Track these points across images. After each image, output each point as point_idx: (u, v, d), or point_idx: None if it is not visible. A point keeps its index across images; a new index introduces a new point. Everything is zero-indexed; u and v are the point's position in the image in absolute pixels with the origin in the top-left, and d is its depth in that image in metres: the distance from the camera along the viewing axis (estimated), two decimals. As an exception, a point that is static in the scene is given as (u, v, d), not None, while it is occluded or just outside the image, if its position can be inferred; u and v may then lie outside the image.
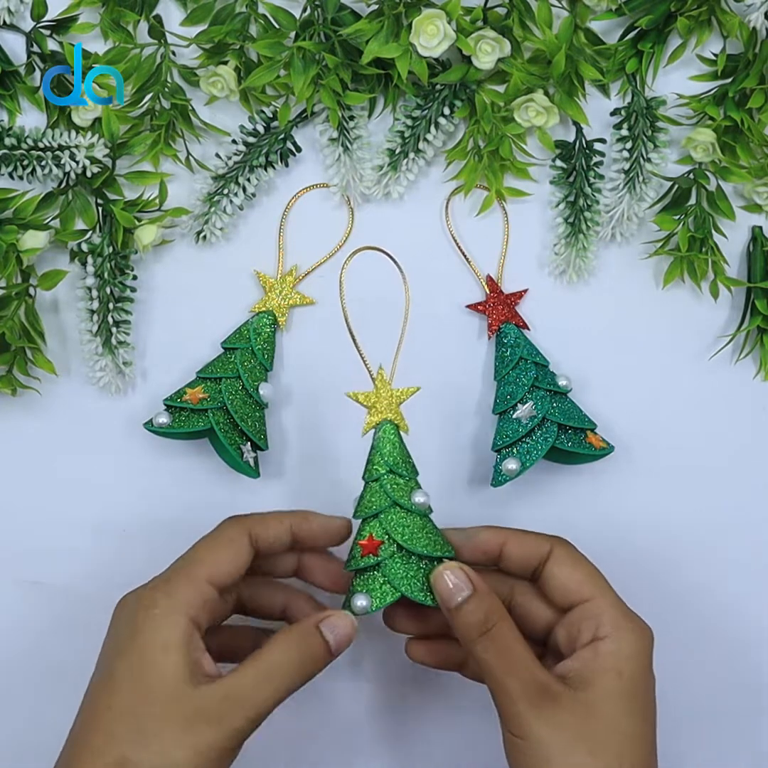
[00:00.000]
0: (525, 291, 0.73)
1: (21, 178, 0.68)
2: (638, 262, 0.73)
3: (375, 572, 0.51)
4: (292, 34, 0.68)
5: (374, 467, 0.54)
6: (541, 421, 0.69)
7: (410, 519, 0.52)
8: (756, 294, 0.71)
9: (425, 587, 0.51)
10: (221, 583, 0.53)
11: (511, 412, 0.70)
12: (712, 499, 0.74)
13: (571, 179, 0.71)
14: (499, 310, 0.72)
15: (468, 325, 0.74)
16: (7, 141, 0.67)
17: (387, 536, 0.51)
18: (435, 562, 0.52)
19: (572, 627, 0.54)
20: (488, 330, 0.73)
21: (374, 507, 0.53)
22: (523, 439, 0.69)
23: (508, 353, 0.71)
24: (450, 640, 0.57)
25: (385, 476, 0.53)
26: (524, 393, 0.70)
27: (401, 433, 0.56)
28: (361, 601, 0.51)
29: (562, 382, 0.71)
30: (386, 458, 0.54)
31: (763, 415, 0.74)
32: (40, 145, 0.67)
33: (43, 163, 0.67)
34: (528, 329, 0.73)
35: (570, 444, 0.69)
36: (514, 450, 0.69)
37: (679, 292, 0.73)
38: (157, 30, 0.68)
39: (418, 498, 0.53)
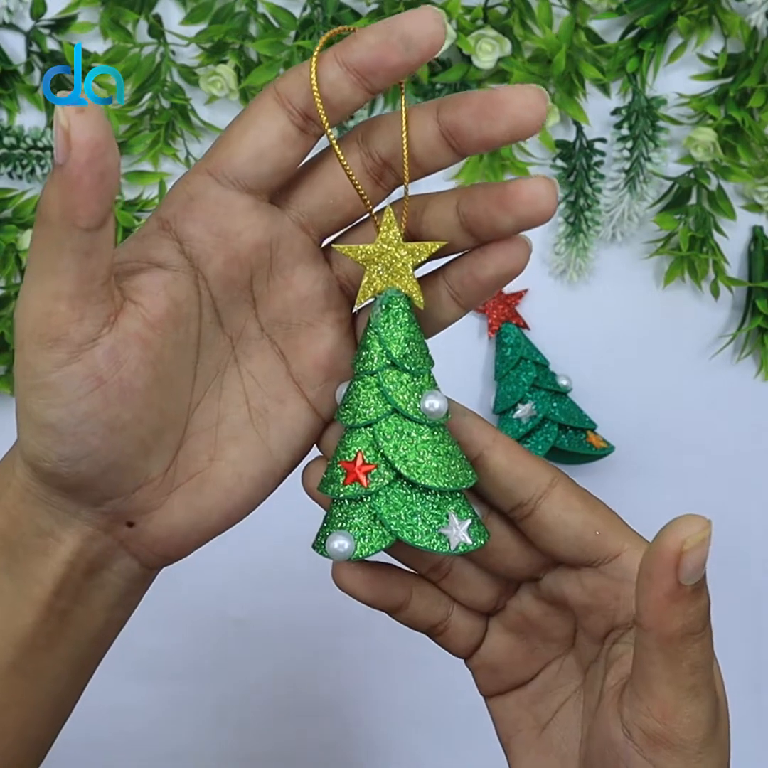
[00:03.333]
0: (525, 291, 0.73)
1: (20, 177, 0.68)
2: (639, 262, 0.73)
3: (361, 505, 0.34)
4: (292, 34, 0.67)
5: (370, 356, 0.34)
6: (541, 421, 0.69)
7: (417, 434, 0.33)
8: (757, 294, 0.71)
9: (435, 528, 0.33)
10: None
11: (511, 412, 0.70)
12: (712, 498, 0.74)
13: (572, 179, 0.71)
14: (500, 309, 0.72)
15: (468, 325, 0.74)
16: (7, 140, 0.67)
17: (382, 458, 0.33)
18: (449, 496, 0.34)
19: (606, 592, 0.34)
20: (488, 330, 0.73)
21: (365, 413, 0.34)
22: (523, 439, 0.69)
23: (508, 353, 0.71)
24: (395, 571, 0.37)
25: (385, 371, 0.34)
26: (524, 393, 0.70)
27: (415, 308, 0.35)
28: (340, 542, 0.34)
29: (562, 382, 0.71)
30: (389, 345, 0.33)
31: (764, 414, 0.74)
32: (40, 144, 0.67)
33: (42, 162, 0.67)
34: (528, 329, 0.73)
35: (570, 444, 0.69)
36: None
37: (679, 292, 0.73)
38: (157, 29, 0.68)
39: (431, 402, 0.33)
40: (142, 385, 0.30)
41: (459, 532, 0.33)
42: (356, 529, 0.34)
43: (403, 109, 0.32)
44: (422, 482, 0.33)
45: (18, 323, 0.29)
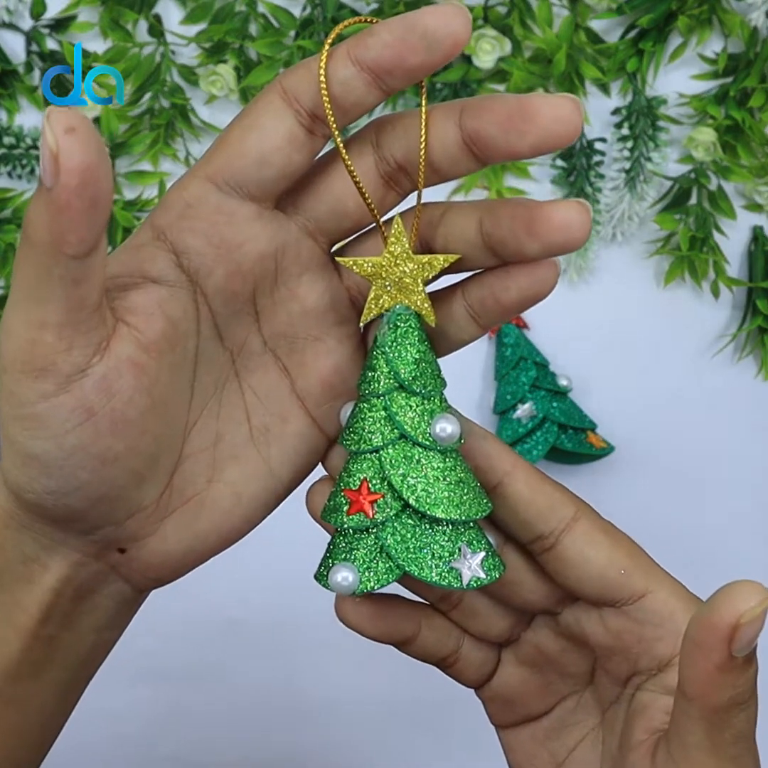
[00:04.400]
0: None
1: (20, 177, 0.68)
2: (639, 262, 0.73)
3: (367, 536, 0.31)
4: (292, 33, 0.67)
5: (376, 377, 0.31)
6: (541, 421, 0.69)
7: (427, 461, 0.30)
8: (757, 293, 0.71)
9: (446, 561, 0.30)
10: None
11: (511, 412, 0.70)
12: (712, 498, 0.74)
13: (572, 179, 0.71)
14: (500, 309, 0.72)
15: (468, 325, 0.74)
16: (6, 140, 0.67)
17: (389, 487, 0.30)
18: (461, 526, 0.31)
19: (629, 635, 0.32)
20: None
21: (370, 438, 0.31)
22: (523, 439, 0.69)
23: (508, 353, 0.71)
24: (403, 604, 0.35)
25: (393, 393, 0.31)
26: (524, 393, 0.69)
27: (426, 326, 0.32)
28: (344, 575, 0.30)
29: (562, 382, 0.71)
30: (396, 366, 0.30)
31: (764, 414, 0.74)
32: (39, 144, 0.67)
33: (42, 162, 0.67)
34: (528, 329, 0.73)
35: (570, 444, 0.69)
36: (515, 450, 0.69)
37: (679, 292, 0.73)
38: (157, 29, 0.68)
39: (443, 427, 0.30)
40: (136, 414, 0.27)
41: (472, 566, 0.30)
42: (361, 561, 0.31)
43: (423, 111, 0.29)
44: (432, 513, 0.30)
45: (1, 347, 0.26)
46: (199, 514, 0.30)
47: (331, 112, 0.28)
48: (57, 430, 0.26)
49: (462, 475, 0.31)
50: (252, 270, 0.29)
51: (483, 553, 0.30)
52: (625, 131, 0.69)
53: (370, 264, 0.30)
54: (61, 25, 0.68)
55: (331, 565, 0.32)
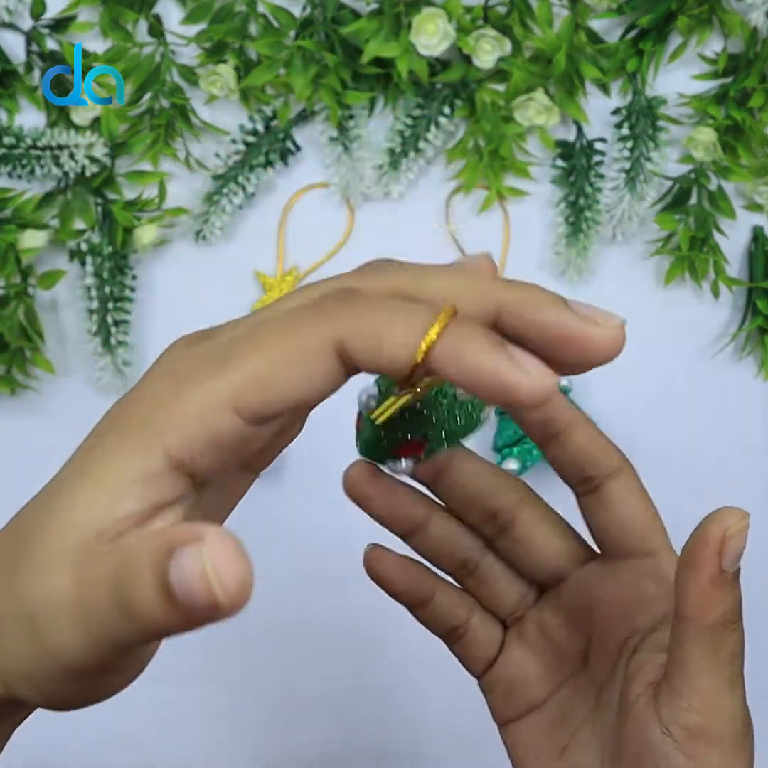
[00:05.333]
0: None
1: (20, 177, 0.68)
2: (639, 262, 0.73)
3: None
4: (292, 33, 0.67)
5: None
6: (542, 421, 0.69)
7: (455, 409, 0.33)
8: (757, 293, 0.71)
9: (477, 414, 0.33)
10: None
11: (512, 412, 0.70)
12: (712, 498, 0.74)
13: (572, 179, 0.71)
14: (500, 309, 0.72)
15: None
16: (6, 140, 0.67)
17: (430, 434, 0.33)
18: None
19: (633, 590, 0.35)
20: (488, 330, 0.73)
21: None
22: (524, 439, 0.69)
23: (508, 353, 0.71)
24: (423, 566, 0.39)
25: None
26: (524, 393, 0.70)
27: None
28: (403, 464, 0.33)
29: (562, 382, 0.71)
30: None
31: (764, 414, 0.74)
32: (39, 144, 0.67)
33: (41, 162, 0.67)
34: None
35: (570, 444, 0.69)
36: (515, 450, 0.69)
37: (680, 292, 0.73)
38: (157, 29, 0.68)
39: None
40: None
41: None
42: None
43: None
44: (465, 430, 0.33)
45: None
46: None
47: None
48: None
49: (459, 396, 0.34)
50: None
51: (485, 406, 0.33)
52: (625, 131, 0.69)
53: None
54: (61, 25, 0.68)
55: (382, 458, 0.33)
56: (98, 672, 0.25)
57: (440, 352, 0.24)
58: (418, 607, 0.37)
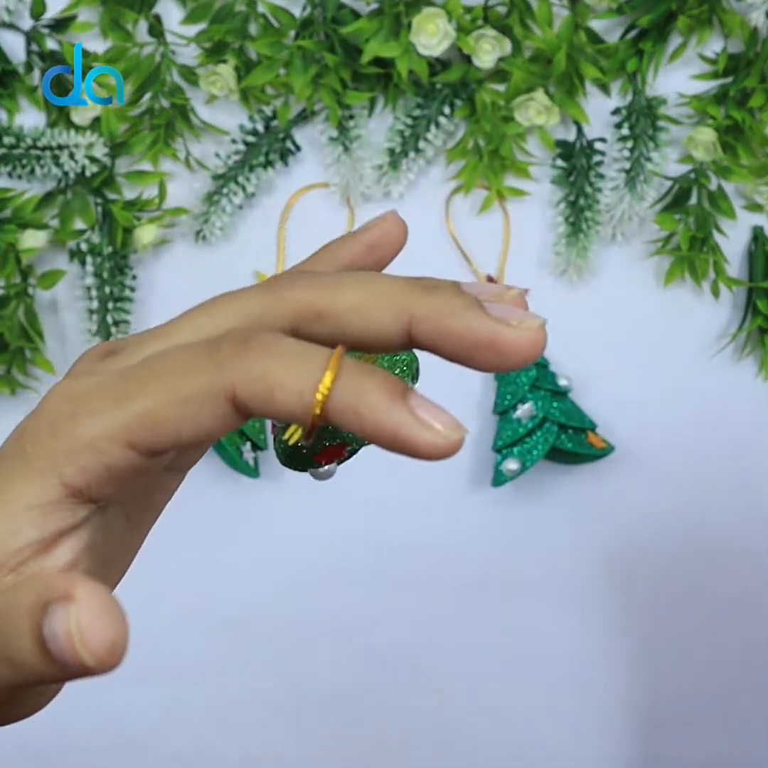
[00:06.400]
0: (525, 291, 0.73)
1: (20, 177, 0.68)
2: (639, 262, 0.73)
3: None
4: (292, 33, 0.67)
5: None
6: (541, 421, 0.69)
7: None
8: (757, 293, 0.71)
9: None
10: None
11: (511, 412, 0.70)
12: (712, 498, 0.74)
13: (572, 179, 0.71)
14: (500, 309, 0.72)
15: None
16: (6, 140, 0.67)
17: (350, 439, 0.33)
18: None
19: None
20: (488, 330, 0.73)
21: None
22: (524, 439, 0.69)
23: (508, 353, 0.71)
24: None
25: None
26: (524, 393, 0.69)
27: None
28: (324, 468, 0.33)
29: (562, 382, 0.71)
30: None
31: (764, 414, 0.74)
32: (39, 144, 0.67)
33: (41, 162, 0.67)
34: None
35: (570, 444, 0.69)
36: (515, 450, 0.69)
37: (680, 292, 0.73)
38: (157, 29, 0.68)
39: None
40: None
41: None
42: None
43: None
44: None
45: None
46: None
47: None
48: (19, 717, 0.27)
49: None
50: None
51: (412, 370, 0.33)
52: (625, 131, 0.69)
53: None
54: (61, 25, 0.68)
55: (304, 466, 0.33)
56: None
57: (336, 406, 0.24)
58: None
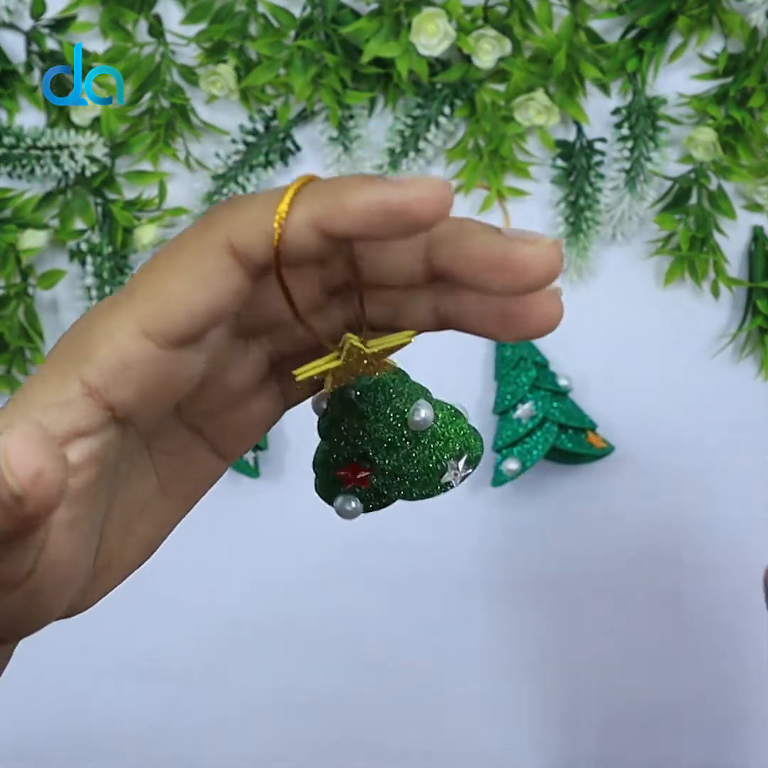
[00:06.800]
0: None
1: (20, 177, 0.68)
2: (639, 262, 0.73)
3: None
4: (292, 33, 0.67)
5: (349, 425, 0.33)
6: (541, 421, 0.69)
7: (409, 447, 0.32)
8: (757, 293, 0.71)
9: (437, 477, 0.33)
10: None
11: (511, 412, 0.70)
12: (712, 498, 0.74)
13: (572, 179, 0.71)
14: (500, 309, 0.72)
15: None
16: (6, 140, 0.67)
17: (377, 466, 0.33)
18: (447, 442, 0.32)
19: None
20: (488, 330, 0.73)
21: (353, 440, 0.33)
22: (524, 439, 0.69)
23: (508, 353, 0.71)
24: None
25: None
26: (524, 393, 0.69)
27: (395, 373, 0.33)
28: (347, 501, 0.33)
29: (562, 382, 0.71)
30: (373, 420, 0.33)
31: (764, 414, 0.74)
32: (39, 144, 0.67)
33: (41, 162, 0.67)
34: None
35: (570, 444, 0.69)
36: (515, 450, 0.69)
37: (680, 292, 0.73)
38: (157, 29, 0.68)
39: (418, 413, 0.32)
40: (75, 565, 0.26)
41: (459, 471, 0.32)
42: (361, 493, 0.34)
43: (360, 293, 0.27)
44: (422, 474, 0.32)
45: None
46: (111, 569, 0.30)
47: (283, 280, 0.25)
48: (4, 614, 0.25)
49: (437, 429, 0.32)
50: (181, 398, 0.28)
51: (465, 453, 0.32)
52: (625, 131, 0.69)
53: (331, 370, 0.30)
54: (61, 25, 0.68)
55: (332, 491, 0.34)
56: None
57: (300, 223, 0.24)
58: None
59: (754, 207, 0.72)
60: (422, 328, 0.28)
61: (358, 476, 0.33)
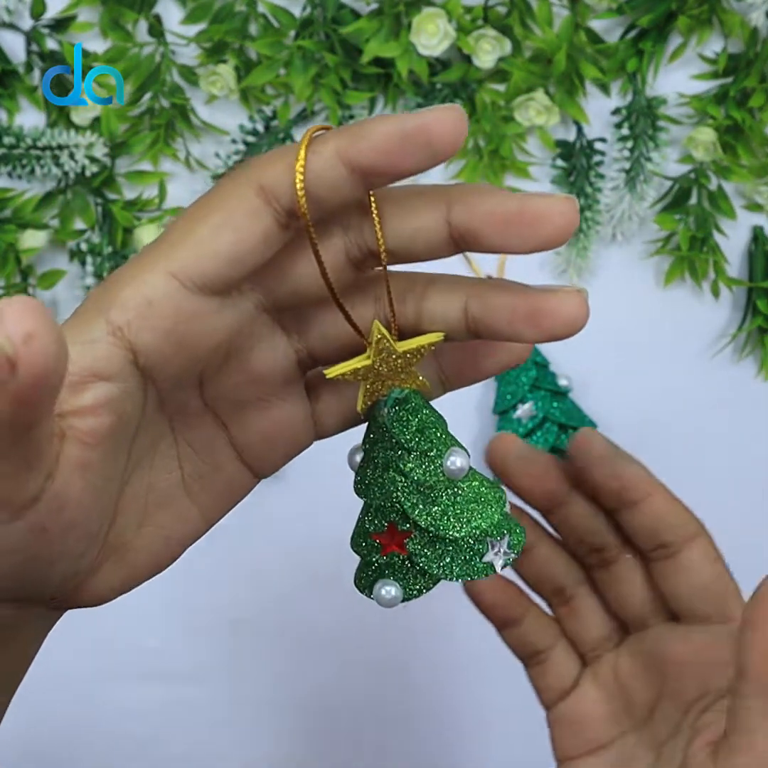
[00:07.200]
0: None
1: (20, 177, 0.68)
2: (639, 262, 0.73)
3: (403, 559, 0.33)
4: (292, 33, 0.67)
5: (382, 448, 0.32)
6: (541, 421, 0.69)
7: (444, 495, 0.32)
8: (757, 294, 0.71)
9: (478, 560, 0.32)
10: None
11: (511, 412, 0.70)
12: (712, 499, 0.74)
13: (572, 179, 0.71)
14: (500, 309, 0.72)
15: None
16: (6, 140, 0.67)
17: (414, 525, 0.32)
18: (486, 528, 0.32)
19: (710, 652, 0.36)
20: (488, 330, 0.73)
21: (388, 493, 0.32)
22: (523, 439, 0.69)
23: (508, 353, 0.71)
24: (518, 588, 0.39)
25: (403, 456, 0.32)
26: (524, 393, 0.69)
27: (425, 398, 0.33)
28: (387, 589, 0.33)
29: (562, 382, 0.71)
30: (400, 438, 0.32)
31: (764, 415, 0.74)
32: (39, 144, 0.67)
33: (42, 162, 0.67)
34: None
35: (570, 444, 0.69)
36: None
37: (680, 292, 0.73)
38: (157, 29, 0.68)
39: (453, 461, 0.32)
40: (83, 514, 0.26)
41: (501, 552, 0.32)
42: (401, 577, 0.34)
43: (376, 218, 0.28)
44: (460, 534, 0.32)
45: None
46: (129, 558, 0.30)
47: (308, 217, 0.26)
48: (7, 549, 0.25)
49: (477, 489, 0.33)
50: (206, 357, 0.28)
51: (507, 535, 0.32)
52: (625, 131, 0.69)
53: (359, 370, 0.31)
54: (61, 25, 0.68)
55: (371, 579, 0.34)
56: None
57: (344, 142, 0.25)
58: (505, 626, 0.38)
59: (754, 207, 0.72)
60: (451, 334, 0.29)
61: (396, 539, 0.33)
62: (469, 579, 0.32)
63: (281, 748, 0.75)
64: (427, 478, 0.32)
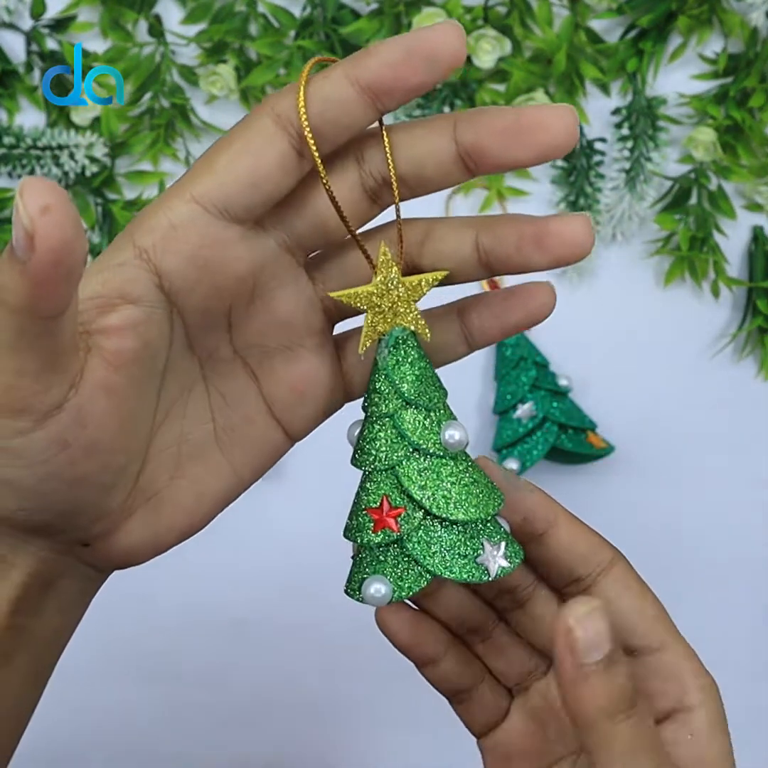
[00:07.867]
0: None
1: (20, 177, 0.68)
2: (639, 262, 0.73)
3: (393, 547, 0.32)
4: (292, 33, 0.67)
5: (382, 399, 0.32)
6: (541, 421, 0.69)
7: (441, 468, 0.32)
8: (757, 294, 0.71)
9: (472, 559, 0.32)
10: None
11: (512, 412, 0.70)
12: (711, 499, 0.74)
13: (572, 178, 0.71)
14: (500, 309, 0.72)
15: (468, 325, 0.74)
16: (6, 140, 0.67)
17: (409, 500, 0.32)
18: (480, 523, 0.32)
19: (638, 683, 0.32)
20: (488, 330, 0.73)
21: (384, 457, 0.32)
22: (523, 439, 0.69)
23: (508, 353, 0.71)
24: (437, 624, 0.36)
25: (400, 411, 0.32)
26: (524, 393, 0.69)
27: (422, 343, 0.33)
28: (377, 587, 0.32)
29: (562, 382, 0.71)
30: (400, 386, 0.31)
31: (764, 414, 0.74)
32: (39, 144, 0.67)
33: (42, 162, 0.67)
34: (528, 329, 0.73)
35: (570, 444, 0.69)
36: (515, 450, 0.69)
37: (680, 292, 0.73)
38: (157, 29, 0.68)
39: (451, 434, 0.32)
40: (108, 437, 0.27)
41: (496, 557, 0.32)
42: (390, 572, 0.32)
43: (385, 140, 0.30)
44: (454, 517, 0.32)
45: None
46: (161, 510, 0.31)
47: (312, 138, 0.28)
48: (32, 461, 0.26)
49: (474, 475, 0.33)
50: (231, 289, 0.29)
51: (504, 543, 0.32)
52: (625, 131, 0.69)
53: (363, 295, 0.31)
54: (61, 25, 0.68)
55: (362, 578, 0.33)
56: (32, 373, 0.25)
57: (351, 63, 0.27)
58: (424, 665, 0.36)
59: (754, 207, 0.72)
60: (463, 271, 0.30)
61: (389, 513, 0.32)
62: (458, 579, 0.31)
63: (281, 747, 0.75)
64: (425, 445, 0.32)
